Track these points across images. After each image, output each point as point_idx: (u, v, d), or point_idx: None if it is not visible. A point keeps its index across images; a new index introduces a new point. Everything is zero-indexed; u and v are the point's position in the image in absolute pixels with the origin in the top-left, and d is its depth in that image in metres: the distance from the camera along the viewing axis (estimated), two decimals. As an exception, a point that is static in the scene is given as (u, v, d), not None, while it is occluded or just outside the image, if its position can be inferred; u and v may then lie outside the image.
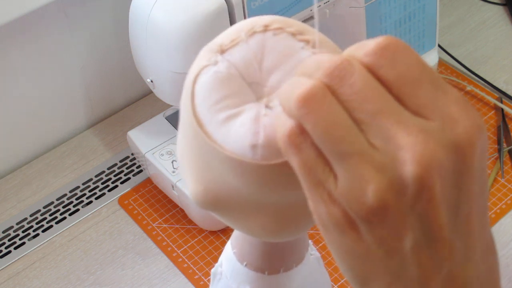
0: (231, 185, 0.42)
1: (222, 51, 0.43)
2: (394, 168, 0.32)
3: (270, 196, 0.42)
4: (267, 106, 0.41)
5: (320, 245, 0.90)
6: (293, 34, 0.43)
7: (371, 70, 0.34)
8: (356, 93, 0.33)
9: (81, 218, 1.00)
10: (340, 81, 0.33)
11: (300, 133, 0.34)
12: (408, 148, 0.32)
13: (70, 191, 1.03)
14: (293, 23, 0.43)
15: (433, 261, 0.34)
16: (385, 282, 0.35)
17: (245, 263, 0.57)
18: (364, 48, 0.34)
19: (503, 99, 1.11)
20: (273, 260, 0.56)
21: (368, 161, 0.32)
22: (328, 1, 0.89)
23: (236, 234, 0.58)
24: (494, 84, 1.13)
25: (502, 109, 1.08)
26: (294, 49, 0.42)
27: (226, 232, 0.95)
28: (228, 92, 0.42)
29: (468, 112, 0.33)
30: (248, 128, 0.41)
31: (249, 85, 0.42)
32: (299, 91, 0.33)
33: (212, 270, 0.61)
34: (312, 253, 0.60)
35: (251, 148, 0.40)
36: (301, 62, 0.42)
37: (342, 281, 0.89)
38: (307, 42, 0.43)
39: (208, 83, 0.42)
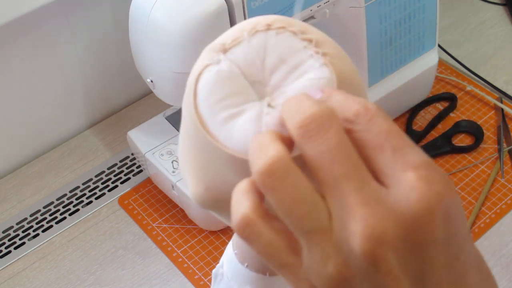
0: (233, 184, 0.42)
1: (225, 50, 0.43)
2: (347, 242, 0.32)
3: None
4: (269, 105, 0.41)
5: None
6: (295, 33, 0.43)
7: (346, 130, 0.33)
8: (326, 152, 0.32)
9: (81, 218, 1.00)
10: (314, 135, 0.33)
11: (246, 225, 0.34)
12: (359, 220, 0.31)
13: (70, 191, 1.03)
14: (295, 22, 0.43)
15: None
16: None
17: (246, 264, 0.57)
18: (345, 110, 0.34)
19: (503, 99, 1.11)
20: None
21: (328, 237, 0.32)
22: (328, 1, 0.89)
23: (237, 236, 0.57)
24: (494, 84, 1.13)
25: (502, 109, 1.08)
26: (297, 48, 0.42)
27: (226, 232, 0.95)
28: (230, 91, 0.42)
29: (426, 178, 0.32)
30: (250, 127, 0.41)
31: (251, 84, 0.43)
32: (262, 164, 0.33)
33: (213, 271, 0.61)
34: None
35: None
36: (302, 62, 0.42)
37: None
38: (309, 41, 0.43)
39: (210, 82, 0.42)
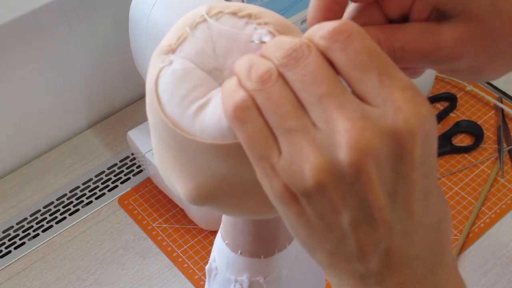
0: (221, 173, 0.43)
1: (173, 51, 0.44)
2: (332, 150, 0.34)
3: None
4: None
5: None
6: (234, 13, 0.44)
7: (325, 53, 0.35)
8: (307, 75, 0.35)
9: (81, 218, 1.00)
10: (295, 62, 0.35)
11: (245, 108, 0.36)
12: (345, 132, 0.33)
13: (70, 191, 1.03)
14: (229, 4, 0.45)
15: (371, 238, 0.35)
16: (327, 252, 0.37)
17: (239, 252, 0.57)
18: (321, 30, 0.35)
19: (503, 99, 1.11)
20: (266, 242, 0.57)
21: (309, 139, 0.34)
22: (328, 1, 0.89)
23: (225, 226, 0.58)
24: (494, 84, 1.13)
25: (502, 109, 1.08)
26: (240, 26, 0.44)
27: (226, 232, 0.95)
28: (191, 85, 0.43)
29: (413, 100, 0.34)
30: (220, 111, 0.41)
31: (209, 73, 0.43)
32: (259, 69, 0.36)
33: (207, 267, 0.61)
34: None
35: (230, 129, 0.41)
36: (251, 37, 0.43)
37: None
38: (249, 16, 0.44)
39: (169, 83, 0.43)
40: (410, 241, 0.36)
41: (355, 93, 0.35)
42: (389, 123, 0.33)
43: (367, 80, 0.34)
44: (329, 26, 0.35)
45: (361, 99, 0.34)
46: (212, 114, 0.41)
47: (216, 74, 0.43)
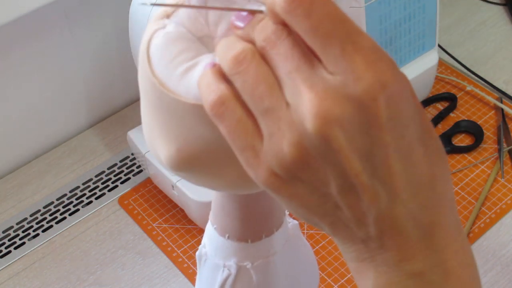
0: (203, 137, 0.43)
1: (168, 16, 0.45)
2: (301, 123, 0.34)
3: None
4: None
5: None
6: None
7: (286, 22, 0.36)
8: (281, 54, 0.36)
9: (81, 218, 1.00)
10: (273, 44, 0.36)
11: (221, 103, 0.37)
12: (308, 103, 0.34)
13: (70, 191, 1.03)
14: None
15: (361, 204, 0.36)
16: (328, 223, 0.38)
17: (227, 236, 0.58)
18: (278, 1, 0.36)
19: (503, 99, 1.11)
20: (253, 226, 0.57)
21: (284, 115, 0.35)
22: (328, 1, 0.89)
23: (214, 210, 0.59)
24: (494, 84, 1.13)
25: (502, 109, 1.08)
26: None
27: (226, 232, 0.95)
28: (181, 48, 0.44)
29: (373, 68, 0.34)
30: None
31: (199, 39, 0.45)
32: (233, 53, 0.37)
33: (197, 253, 0.61)
34: (289, 221, 0.62)
35: None
36: (243, 7, 0.44)
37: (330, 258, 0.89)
38: None
39: (161, 44, 0.44)
40: (400, 202, 0.37)
41: (321, 63, 0.35)
42: (351, 91, 0.34)
43: (330, 48, 0.35)
44: None
45: (326, 67, 0.35)
46: (197, 77, 0.42)
47: (207, 41, 0.45)
